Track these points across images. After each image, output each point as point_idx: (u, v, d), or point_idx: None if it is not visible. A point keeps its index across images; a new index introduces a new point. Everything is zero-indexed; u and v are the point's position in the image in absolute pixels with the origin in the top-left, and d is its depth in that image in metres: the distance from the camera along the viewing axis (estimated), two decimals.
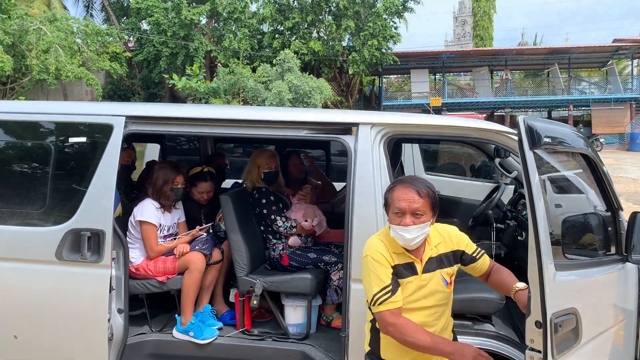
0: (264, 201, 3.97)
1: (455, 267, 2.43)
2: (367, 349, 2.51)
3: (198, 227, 3.88)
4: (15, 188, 3.33)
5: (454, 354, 2.23)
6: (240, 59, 25.01)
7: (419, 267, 2.33)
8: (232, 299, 3.88)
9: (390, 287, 2.27)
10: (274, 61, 24.26)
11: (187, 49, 27.02)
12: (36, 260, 3.21)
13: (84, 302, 3.17)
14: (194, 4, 28.73)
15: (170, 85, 22.21)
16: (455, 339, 2.55)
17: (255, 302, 3.59)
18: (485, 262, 2.45)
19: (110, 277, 3.21)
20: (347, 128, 3.13)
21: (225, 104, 21.15)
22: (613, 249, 2.82)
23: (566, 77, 34.13)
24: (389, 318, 2.26)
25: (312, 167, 4.91)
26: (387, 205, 2.38)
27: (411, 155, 6.46)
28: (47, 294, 3.21)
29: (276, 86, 21.46)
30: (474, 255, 2.44)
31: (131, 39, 29.68)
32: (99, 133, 3.24)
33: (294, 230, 3.93)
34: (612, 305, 2.71)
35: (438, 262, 2.36)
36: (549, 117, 37.99)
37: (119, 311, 3.33)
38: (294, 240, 3.94)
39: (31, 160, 3.37)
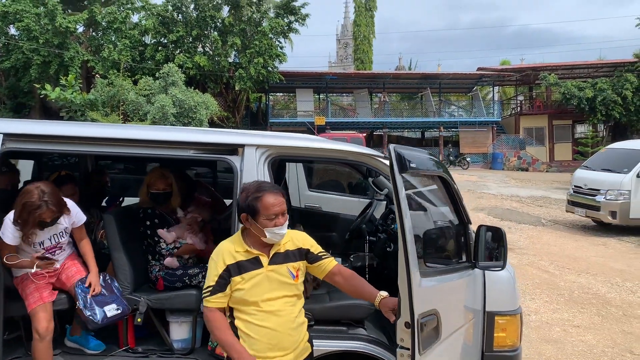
0: (148, 222, 3.94)
1: (301, 263, 2.72)
2: None
3: (35, 256, 3.36)
4: None
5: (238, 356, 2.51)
6: (121, 70, 24.08)
7: (265, 260, 2.62)
8: None
9: (211, 288, 2.57)
10: (157, 74, 23.69)
11: (61, 57, 25.52)
12: None
13: None
14: (69, 10, 27.25)
15: (42, 96, 20.80)
16: (311, 340, 2.79)
17: (139, 319, 3.60)
18: (329, 263, 2.76)
19: None
20: (233, 149, 3.28)
21: (104, 117, 20.23)
22: (464, 257, 3.26)
23: (437, 101, 36.93)
24: (206, 312, 2.60)
25: (201, 185, 4.94)
26: (256, 212, 2.58)
27: (295, 172, 6.75)
28: None
29: (159, 100, 20.97)
30: (319, 254, 2.77)
31: None
32: None
33: (176, 251, 3.90)
34: (464, 306, 3.12)
35: (284, 257, 2.66)
36: (422, 137, 40.81)
37: None
38: (169, 262, 3.87)
39: None
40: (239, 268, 2.58)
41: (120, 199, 5.42)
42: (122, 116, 21.14)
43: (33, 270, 3.37)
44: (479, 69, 36.25)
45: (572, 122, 35.50)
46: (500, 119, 36.70)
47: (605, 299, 7.51)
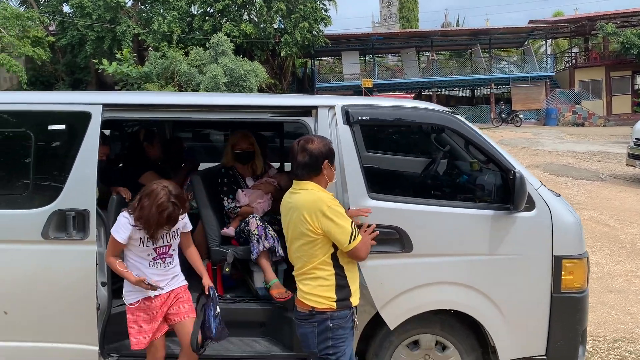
0: (219, 180, 4.27)
1: None
2: (331, 300, 2.84)
3: (140, 279, 3.22)
4: (1, 174, 3.52)
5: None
6: (174, 42, 24.56)
7: None
8: None
9: (354, 226, 2.84)
10: (207, 44, 24.07)
11: (113, 32, 26.21)
12: (23, 240, 3.43)
13: (72, 276, 3.41)
14: None
15: (100, 71, 21.59)
16: None
17: (227, 269, 3.97)
18: None
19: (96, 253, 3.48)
20: (307, 111, 3.53)
21: (160, 88, 20.88)
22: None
23: (487, 57, 35.93)
24: (365, 239, 2.87)
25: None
26: (333, 156, 2.98)
27: None
28: (35, 271, 3.44)
29: (211, 70, 21.40)
30: None
31: (52, 22, 28.38)
32: (79, 120, 3.45)
33: (238, 211, 4.18)
34: (485, 238, 3.35)
35: None
36: (473, 95, 39.91)
37: (103, 284, 3.60)
38: (224, 232, 4.11)
39: (17, 148, 3.53)
40: None
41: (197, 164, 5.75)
42: (176, 87, 21.76)
43: (153, 295, 3.29)
44: (530, 22, 34.95)
45: (631, 73, 33.90)
46: (553, 73, 35.45)
47: None
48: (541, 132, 26.00)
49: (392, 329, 3.36)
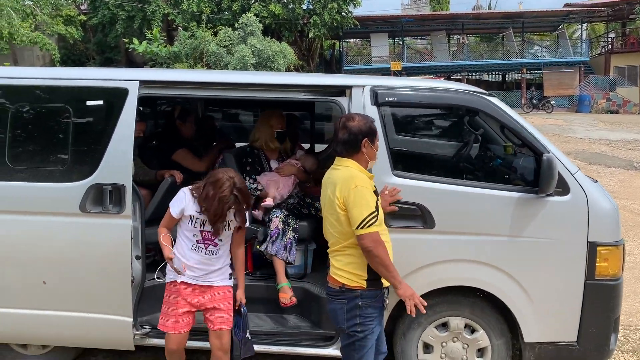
0: (243, 160, 4.27)
1: None
2: (362, 279, 2.86)
3: (171, 256, 3.17)
4: (41, 148, 3.59)
5: (401, 285, 2.83)
6: (203, 22, 24.58)
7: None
8: None
9: (376, 212, 2.80)
10: (236, 25, 24.05)
11: (144, 12, 26.33)
12: (61, 213, 3.51)
13: (107, 249, 3.49)
14: None
15: (130, 50, 21.77)
16: None
17: (257, 246, 4.02)
18: None
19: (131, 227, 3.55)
20: (341, 90, 3.51)
21: (189, 68, 21.01)
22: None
23: (520, 41, 35.11)
24: (378, 237, 2.78)
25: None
26: (375, 135, 2.97)
27: None
28: (73, 243, 3.52)
29: (239, 50, 21.39)
30: None
31: (84, 1, 28.67)
32: (116, 96, 3.51)
33: (258, 193, 4.16)
34: (512, 220, 3.32)
35: None
36: (503, 80, 39.13)
37: (137, 257, 3.65)
38: (254, 214, 4.10)
39: (56, 123, 3.59)
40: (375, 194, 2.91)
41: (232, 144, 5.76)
42: (205, 67, 21.83)
43: (179, 280, 3.26)
44: (566, 5, 33.94)
45: None
46: (588, 59, 34.45)
47: None
48: (573, 119, 25.39)
49: None
